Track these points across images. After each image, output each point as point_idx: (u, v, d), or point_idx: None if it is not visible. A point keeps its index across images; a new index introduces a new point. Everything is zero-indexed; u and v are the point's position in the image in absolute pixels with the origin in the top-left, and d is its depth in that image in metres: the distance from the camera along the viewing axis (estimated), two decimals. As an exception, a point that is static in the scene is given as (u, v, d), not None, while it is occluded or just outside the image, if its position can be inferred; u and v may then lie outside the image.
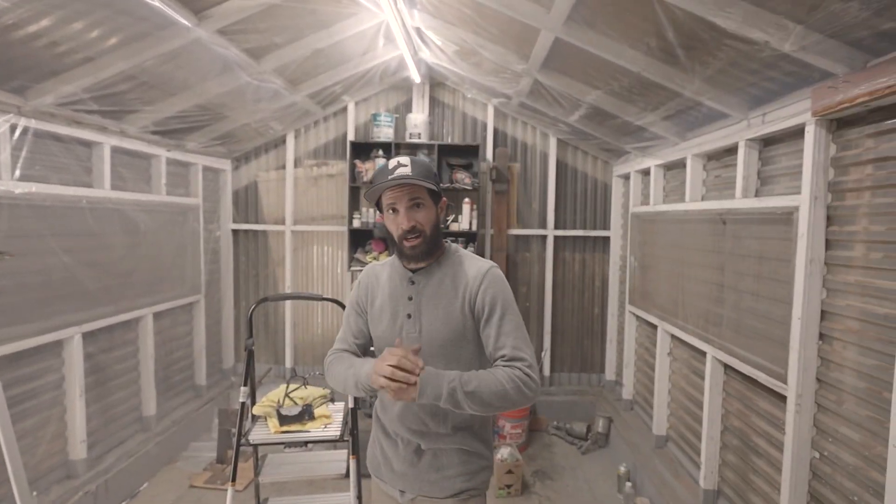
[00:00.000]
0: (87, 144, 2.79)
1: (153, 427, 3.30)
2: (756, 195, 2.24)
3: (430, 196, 1.31)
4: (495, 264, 1.36)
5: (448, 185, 3.92)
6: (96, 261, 2.81)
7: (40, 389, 2.53)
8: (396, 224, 1.30)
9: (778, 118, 1.98)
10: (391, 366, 1.13)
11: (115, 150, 2.95)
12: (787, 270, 1.94)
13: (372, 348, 1.44)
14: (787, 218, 1.94)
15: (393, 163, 1.29)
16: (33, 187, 2.39)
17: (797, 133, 1.93)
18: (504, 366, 1.23)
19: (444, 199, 1.38)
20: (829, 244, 1.80)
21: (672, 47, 1.93)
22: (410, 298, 1.34)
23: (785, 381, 1.92)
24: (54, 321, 2.54)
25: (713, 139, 2.50)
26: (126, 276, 3.06)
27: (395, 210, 1.29)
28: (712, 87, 2.12)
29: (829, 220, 1.79)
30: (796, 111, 1.86)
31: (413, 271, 1.36)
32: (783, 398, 1.95)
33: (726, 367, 2.45)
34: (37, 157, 2.46)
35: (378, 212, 1.38)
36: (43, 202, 2.46)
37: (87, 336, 2.77)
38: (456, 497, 1.34)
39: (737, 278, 2.31)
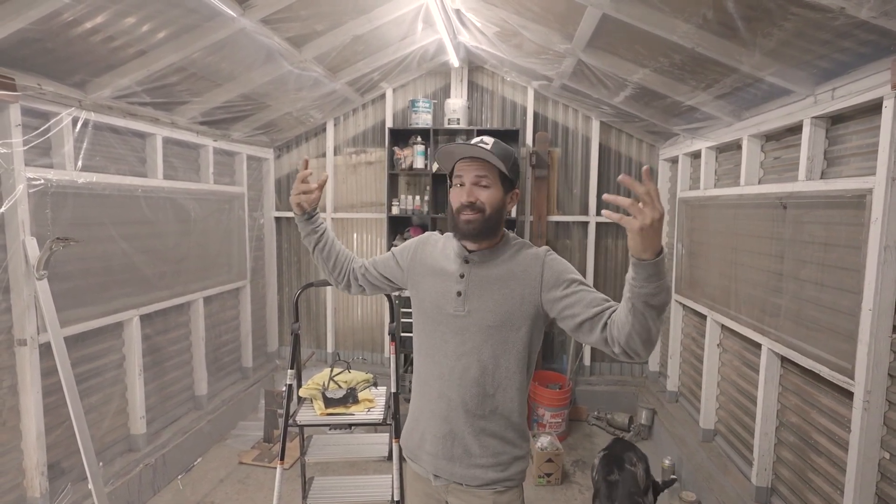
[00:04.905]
0: (141, 135, 2.91)
1: (205, 406, 3.46)
2: (822, 177, 2.09)
3: (500, 180, 1.28)
4: (549, 248, 1.33)
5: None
6: (151, 247, 2.95)
7: (104, 368, 2.70)
8: (458, 197, 1.28)
9: (850, 93, 1.83)
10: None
11: (167, 141, 3.06)
12: (856, 258, 1.81)
13: (407, 320, 1.44)
14: (858, 201, 1.80)
15: (477, 139, 1.29)
16: (94, 177, 2.52)
17: (872, 109, 1.77)
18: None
19: (518, 190, 1.34)
20: (906, 229, 1.66)
21: (731, 19, 1.80)
22: (462, 276, 1.30)
23: (852, 377, 1.80)
24: (115, 304, 2.69)
25: (773, 118, 2.34)
26: (178, 261, 3.20)
27: (461, 184, 1.28)
28: (775, 61, 1.97)
29: (908, 203, 1.65)
30: (872, 84, 1.70)
31: (470, 251, 1.33)
32: (849, 394, 1.83)
33: (783, 359, 2.32)
34: (96, 148, 2.59)
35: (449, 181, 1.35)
36: (103, 191, 2.59)
37: (144, 318, 2.92)
38: (489, 488, 1.30)
39: (798, 266, 2.17)
